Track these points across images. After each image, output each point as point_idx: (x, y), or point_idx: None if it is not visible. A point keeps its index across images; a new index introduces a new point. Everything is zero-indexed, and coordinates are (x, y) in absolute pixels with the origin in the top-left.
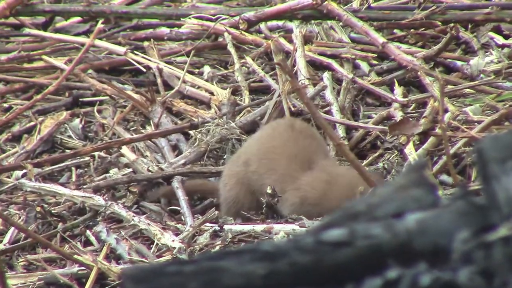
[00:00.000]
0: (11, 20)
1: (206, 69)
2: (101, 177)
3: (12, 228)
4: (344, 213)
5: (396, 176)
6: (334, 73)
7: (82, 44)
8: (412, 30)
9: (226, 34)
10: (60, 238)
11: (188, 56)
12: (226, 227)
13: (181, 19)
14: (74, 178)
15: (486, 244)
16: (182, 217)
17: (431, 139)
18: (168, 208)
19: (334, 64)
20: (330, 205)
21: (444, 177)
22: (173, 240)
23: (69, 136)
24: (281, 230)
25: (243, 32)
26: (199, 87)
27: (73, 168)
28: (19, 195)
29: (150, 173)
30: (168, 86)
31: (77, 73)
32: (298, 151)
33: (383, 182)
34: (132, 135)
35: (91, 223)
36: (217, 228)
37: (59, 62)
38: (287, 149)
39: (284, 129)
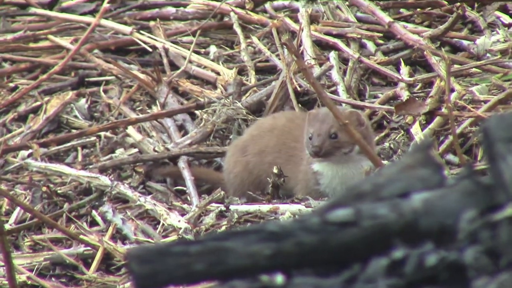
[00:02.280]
0: None
1: (212, 49)
2: (107, 157)
3: (18, 208)
4: (350, 193)
5: (402, 156)
6: (340, 53)
7: (88, 24)
8: (418, 9)
9: (232, 13)
10: (66, 218)
11: (194, 36)
12: (232, 207)
13: None
14: (80, 158)
15: (492, 224)
16: (188, 197)
17: (437, 119)
18: (174, 188)
19: (340, 44)
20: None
21: (450, 157)
22: (179, 221)
23: (75, 116)
24: (287, 210)
25: (249, 12)
26: (205, 67)
27: (79, 148)
28: (25, 175)
29: (156, 153)
30: (174, 66)
31: (83, 53)
32: None
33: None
34: (138, 115)
35: (97, 203)
36: (223, 208)
37: (65, 41)
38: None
39: (303, 120)
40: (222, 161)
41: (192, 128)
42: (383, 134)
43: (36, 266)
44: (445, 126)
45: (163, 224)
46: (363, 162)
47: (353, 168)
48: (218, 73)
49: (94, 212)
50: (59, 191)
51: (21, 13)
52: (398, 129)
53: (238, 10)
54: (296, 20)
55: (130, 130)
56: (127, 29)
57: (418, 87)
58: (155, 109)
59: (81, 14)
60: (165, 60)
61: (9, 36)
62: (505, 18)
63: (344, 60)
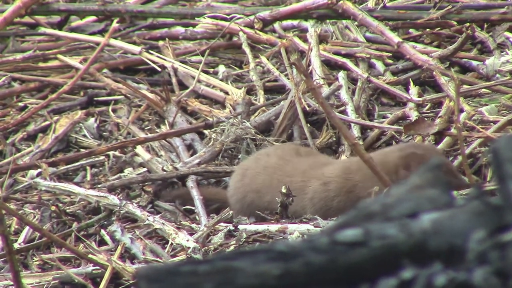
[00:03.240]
0: (27, 19)
1: (221, 69)
2: (115, 176)
3: (27, 227)
4: (359, 213)
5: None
6: (349, 73)
7: (97, 43)
8: (427, 29)
9: (241, 33)
10: (75, 238)
11: (203, 56)
12: (240, 227)
13: (196, 18)
14: (89, 177)
15: (502, 244)
16: (197, 216)
17: (446, 139)
18: (183, 207)
19: (349, 64)
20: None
21: None
22: (187, 240)
23: (84, 136)
24: (296, 230)
25: (258, 32)
26: (214, 87)
27: (88, 168)
28: (34, 194)
29: (164, 172)
30: (183, 86)
31: (92, 72)
32: (306, 166)
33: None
34: (146, 134)
35: (105, 222)
36: (231, 227)
37: (74, 61)
38: (297, 171)
39: (291, 155)
40: (230, 179)
41: (201, 147)
42: None
43: (45, 286)
44: (454, 146)
45: (171, 244)
46: None
47: None
48: (226, 93)
49: (102, 231)
50: (68, 211)
51: (31, 32)
52: None
53: (247, 30)
54: (305, 40)
55: (139, 149)
56: (136, 48)
57: (427, 107)
58: (164, 129)
59: (90, 34)
60: (174, 80)
61: (19, 56)
62: None
63: (353, 80)
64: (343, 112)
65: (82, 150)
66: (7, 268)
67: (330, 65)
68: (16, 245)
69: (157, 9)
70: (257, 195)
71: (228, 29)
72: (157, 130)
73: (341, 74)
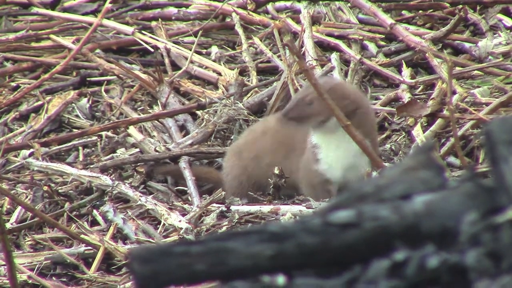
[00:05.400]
0: None
1: (214, 50)
2: (108, 157)
3: (19, 207)
4: (352, 195)
5: (404, 158)
6: (342, 54)
7: (90, 24)
8: (420, 11)
9: (234, 14)
10: (67, 218)
11: (195, 36)
12: (233, 207)
13: None
14: (81, 157)
15: (494, 226)
16: (189, 197)
17: (439, 121)
18: (175, 188)
19: (342, 45)
20: None
21: (451, 159)
22: (180, 221)
23: (77, 116)
24: (288, 211)
25: (250, 13)
26: (206, 67)
27: (80, 148)
28: (26, 174)
29: (157, 153)
30: (175, 66)
31: (85, 53)
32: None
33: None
34: (139, 115)
35: (98, 202)
36: (224, 208)
37: (67, 41)
38: (297, 138)
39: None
40: (223, 161)
41: (193, 128)
42: (384, 135)
43: (37, 266)
44: (446, 128)
45: (164, 224)
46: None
47: (349, 142)
48: (219, 74)
49: (95, 211)
50: (60, 191)
51: (23, 12)
52: (399, 131)
53: (240, 10)
54: (298, 21)
55: (132, 130)
56: (129, 29)
57: (419, 89)
58: (157, 109)
59: (83, 14)
60: (166, 60)
61: (11, 36)
62: (507, 21)
63: (345, 62)
64: None
65: (74, 130)
66: None
67: (323, 47)
68: (8, 225)
69: None
70: (255, 161)
71: (221, 10)
72: (150, 111)
73: (334, 56)
